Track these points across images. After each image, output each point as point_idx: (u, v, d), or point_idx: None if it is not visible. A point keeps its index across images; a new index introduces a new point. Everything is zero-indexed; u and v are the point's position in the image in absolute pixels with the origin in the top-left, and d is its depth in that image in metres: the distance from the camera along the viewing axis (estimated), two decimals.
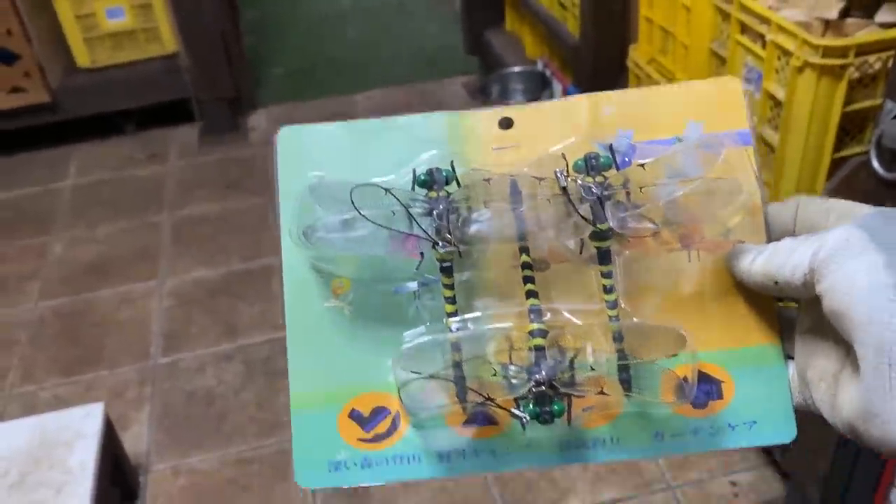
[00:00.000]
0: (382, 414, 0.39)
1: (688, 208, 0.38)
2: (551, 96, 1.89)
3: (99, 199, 2.16)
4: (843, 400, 0.32)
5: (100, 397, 1.52)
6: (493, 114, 0.40)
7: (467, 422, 0.39)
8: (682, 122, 0.40)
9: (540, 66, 1.96)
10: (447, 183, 0.38)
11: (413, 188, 0.39)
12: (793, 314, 0.38)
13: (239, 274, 1.85)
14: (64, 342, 1.70)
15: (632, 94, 0.41)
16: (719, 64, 1.24)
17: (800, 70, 1.01)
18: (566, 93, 1.84)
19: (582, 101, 0.40)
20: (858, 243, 0.31)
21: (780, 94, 1.06)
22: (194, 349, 1.65)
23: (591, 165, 0.38)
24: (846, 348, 0.34)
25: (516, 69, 2.02)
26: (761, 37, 1.09)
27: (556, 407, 0.36)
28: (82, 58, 2.28)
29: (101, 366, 1.63)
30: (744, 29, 1.14)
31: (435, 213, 0.38)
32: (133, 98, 2.32)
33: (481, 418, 0.39)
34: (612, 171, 0.38)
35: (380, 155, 0.40)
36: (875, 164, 0.93)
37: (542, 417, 0.36)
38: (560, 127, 0.40)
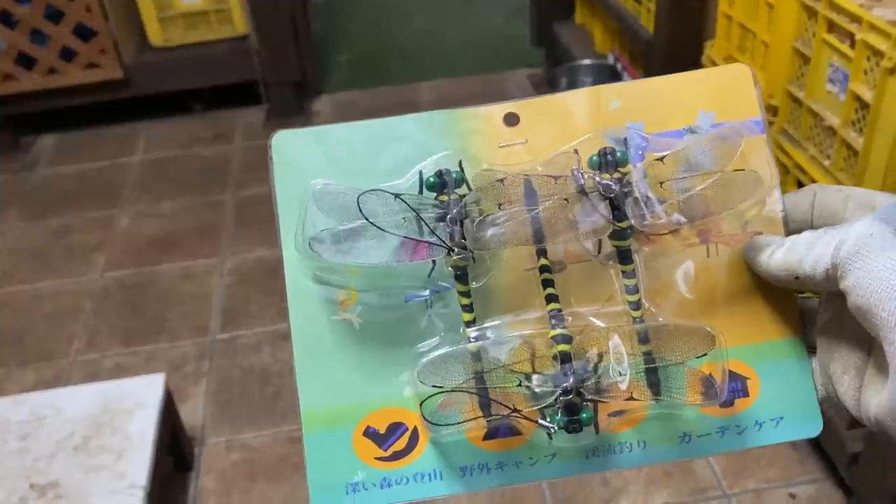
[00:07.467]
0: (400, 430, 0.38)
1: (706, 202, 0.37)
2: None
3: (165, 175, 2.21)
4: (870, 396, 0.32)
5: (159, 369, 1.55)
6: (497, 110, 0.39)
7: (490, 434, 0.38)
8: (693, 112, 0.39)
9: (611, 60, 1.93)
10: (458, 185, 0.37)
11: (420, 191, 0.37)
12: (813, 305, 0.38)
13: None
14: (127, 313, 1.74)
15: (638, 85, 0.39)
16: (802, 63, 1.20)
17: (891, 71, 0.97)
18: None
19: (588, 93, 0.39)
20: (883, 238, 0.30)
21: (868, 96, 1.02)
22: (252, 327, 1.67)
23: (606, 161, 0.37)
24: (870, 342, 0.33)
25: (586, 62, 1.99)
26: (850, 36, 1.05)
27: (584, 415, 0.35)
28: (155, 36, 2.33)
29: (161, 338, 1.67)
30: (831, 27, 1.10)
31: (448, 217, 0.36)
32: (202, 78, 2.36)
33: (504, 430, 0.38)
34: (629, 167, 0.37)
35: (382, 157, 0.39)
36: None
37: (571, 427, 0.35)
38: (567, 121, 0.39)
